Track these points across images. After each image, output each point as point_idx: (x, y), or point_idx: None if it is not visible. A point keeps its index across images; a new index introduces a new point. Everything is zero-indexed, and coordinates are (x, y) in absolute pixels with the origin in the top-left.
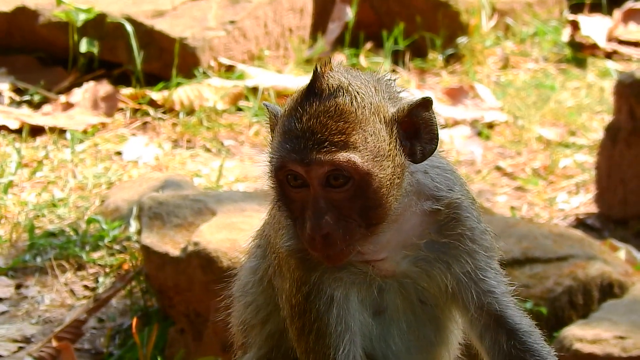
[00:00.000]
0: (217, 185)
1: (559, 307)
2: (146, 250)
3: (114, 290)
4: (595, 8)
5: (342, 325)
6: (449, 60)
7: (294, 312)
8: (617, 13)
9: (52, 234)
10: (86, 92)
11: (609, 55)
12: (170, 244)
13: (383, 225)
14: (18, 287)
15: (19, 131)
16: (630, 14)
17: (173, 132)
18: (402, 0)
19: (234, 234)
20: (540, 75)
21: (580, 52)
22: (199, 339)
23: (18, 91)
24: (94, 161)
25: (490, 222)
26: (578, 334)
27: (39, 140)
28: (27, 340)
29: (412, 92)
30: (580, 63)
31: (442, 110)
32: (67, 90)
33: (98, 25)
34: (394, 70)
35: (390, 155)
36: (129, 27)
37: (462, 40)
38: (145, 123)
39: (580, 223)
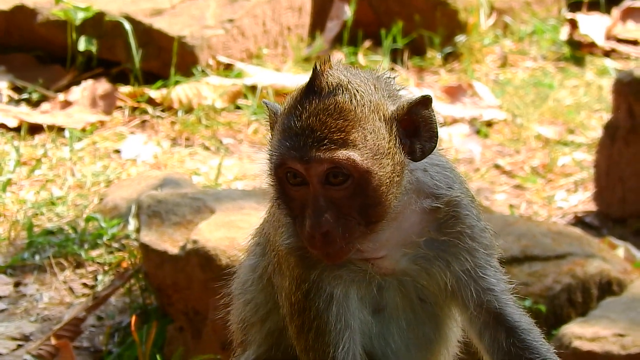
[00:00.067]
0: (215, 184)
1: (557, 305)
2: (145, 248)
3: (113, 288)
4: (594, 6)
5: (341, 323)
6: (448, 58)
7: (294, 309)
8: (616, 11)
9: (50, 232)
10: (85, 91)
11: (608, 54)
12: (169, 242)
13: (382, 223)
14: (17, 285)
15: (17, 129)
16: (629, 12)
17: (172, 130)
18: None
19: (233, 232)
20: (538, 74)
21: (579, 51)
22: (198, 336)
23: (16, 89)
24: (92, 159)
25: (489, 220)
26: (577, 331)
27: (38, 138)
28: (26, 338)
29: (411, 91)
30: (579, 61)
31: (440, 108)
32: (66, 88)
33: (96, 24)
34: (392, 69)
35: (389, 153)
36: (127, 26)
37: (460, 38)
38: (143, 121)
39: (579, 221)
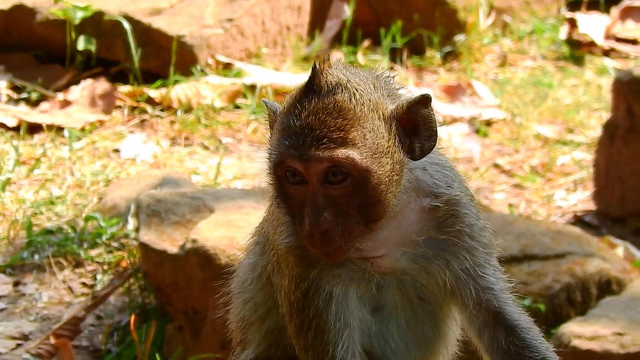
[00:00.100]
0: (215, 183)
1: (557, 304)
2: (144, 247)
3: (112, 288)
4: (593, 6)
5: (340, 321)
6: (447, 58)
7: (293, 308)
8: (615, 11)
9: (49, 232)
10: (84, 90)
11: (607, 53)
12: (169, 241)
13: (382, 222)
14: (16, 284)
15: (16, 129)
16: (628, 11)
17: (171, 129)
18: None
19: (232, 231)
20: (538, 73)
21: (578, 50)
22: (197, 336)
23: (16, 89)
24: (91, 159)
25: (488, 219)
26: (576, 330)
27: (37, 137)
28: (25, 337)
29: (410, 90)
30: (578, 61)
31: (440, 107)
32: (65, 88)
33: (95, 23)
34: (391, 68)
35: (389, 152)
36: (126, 25)
37: (459, 38)
38: (143, 121)
39: (578, 220)
